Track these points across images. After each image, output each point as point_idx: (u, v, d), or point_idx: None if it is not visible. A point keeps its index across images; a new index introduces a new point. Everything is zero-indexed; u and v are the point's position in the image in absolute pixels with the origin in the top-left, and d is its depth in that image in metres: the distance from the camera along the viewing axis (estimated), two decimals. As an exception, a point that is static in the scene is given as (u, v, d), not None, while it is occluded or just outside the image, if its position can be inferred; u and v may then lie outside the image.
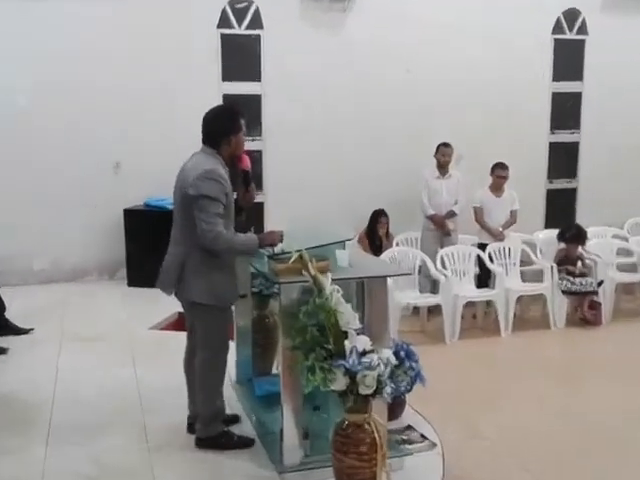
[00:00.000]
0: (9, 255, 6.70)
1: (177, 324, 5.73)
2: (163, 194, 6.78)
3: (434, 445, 3.54)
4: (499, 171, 7.02)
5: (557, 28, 8.04)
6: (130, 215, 6.92)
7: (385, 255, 6.47)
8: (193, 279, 3.32)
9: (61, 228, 6.92)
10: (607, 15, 8.06)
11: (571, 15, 8.05)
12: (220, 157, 3.37)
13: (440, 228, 6.98)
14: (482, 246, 6.90)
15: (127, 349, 5.02)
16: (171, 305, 5.70)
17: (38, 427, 3.75)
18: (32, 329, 5.34)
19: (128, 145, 6.98)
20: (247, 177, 3.66)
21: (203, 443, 3.48)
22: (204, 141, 3.42)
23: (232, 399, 4.01)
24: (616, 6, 8.04)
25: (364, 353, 2.76)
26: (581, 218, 8.04)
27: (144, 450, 3.50)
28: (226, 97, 7.14)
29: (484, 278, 6.84)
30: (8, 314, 5.31)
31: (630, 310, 7.17)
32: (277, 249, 3.33)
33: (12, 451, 3.49)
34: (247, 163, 3.66)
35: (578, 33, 8.10)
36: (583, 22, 8.08)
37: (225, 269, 3.38)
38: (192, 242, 3.30)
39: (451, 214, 6.99)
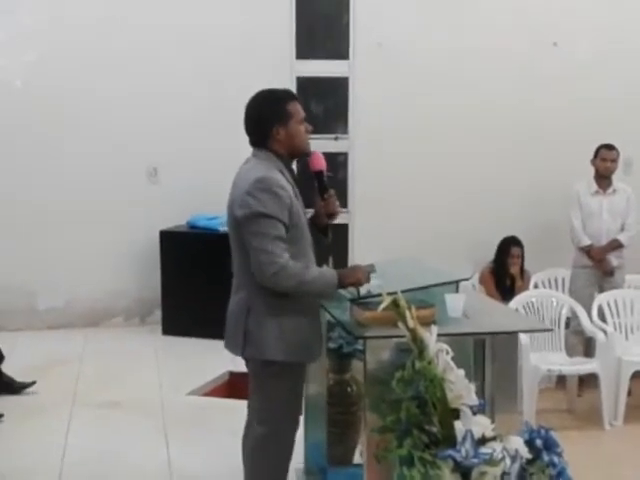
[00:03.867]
0: (8, 290, 6.98)
1: (227, 389, 5.81)
2: (212, 211, 6.94)
3: None
4: (686, 184, 6.88)
5: None
6: (168, 239, 7.10)
7: (518, 301, 6.40)
8: (260, 330, 3.32)
9: (77, 256, 7.13)
10: None
11: None
12: (278, 159, 3.37)
13: (599, 264, 6.87)
14: (660, 291, 6.76)
15: (158, 421, 5.07)
16: (220, 362, 5.83)
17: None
18: (34, 383, 5.50)
19: (168, 147, 7.20)
20: (321, 180, 3.56)
21: None
22: (250, 142, 3.45)
23: (299, 496, 4.01)
24: None
25: (483, 441, 2.70)
26: None
27: None
28: (301, 81, 7.28)
29: (663, 337, 6.67)
30: (6, 367, 5.48)
31: None
32: (363, 290, 3.31)
33: None
34: (320, 162, 3.56)
35: None
36: None
37: (303, 313, 3.37)
38: (253, 286, 3.30)
39: (615, 245, 6.88)
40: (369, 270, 3.33)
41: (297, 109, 3.42)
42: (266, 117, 3.39)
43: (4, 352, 5.49)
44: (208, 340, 6.34)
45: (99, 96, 7.07)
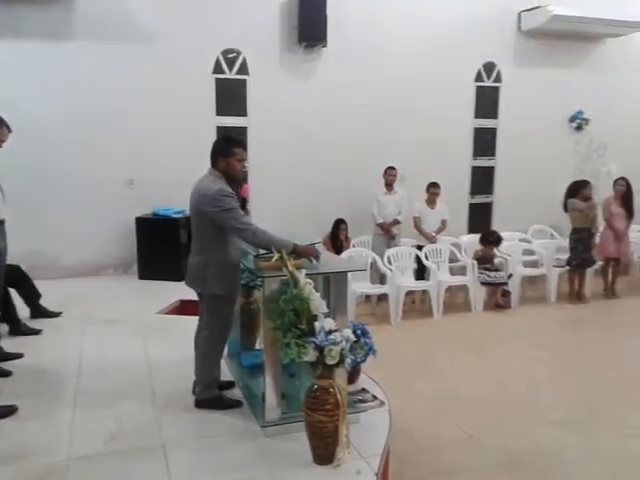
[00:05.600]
0: (42, 253, 6.57)
1: (178, 310, 5.68)
2: (167, 205, 6.73)
3: (383, 404, 3.57)
4: (433, 189, 7.17)
5: (478, 77, 8.19)
6: (141, 222, 6.80)
7: (344, 254, 6.52)
8: (212, 277, 3.26)
9: (85, 232, 6.77)
10: (517, 67, 8.26)
11: (489, 67, 8.20)
12: (223, 177, 3.23)
13: (387, 233, 7.07)
14: (419, 247, 7.01)
15: (138, 330, 4.95)
16: (173, 294, 5.72)
17: (65, 393, 3.68)
18: (61, 313, 5.25)
19: (140, 164, 6.87)
20: (245, 201, 3.55)
21: (201, 404, 3.45)
22: (210, 163, 3.30)
23: (225, 369, 3.98)
24: (523, 61, 8.26)
25: (330, 332, 2.77)
26: (495, 225, 8.18)
27: (154, 410, 3.47)
28: (219, 128, 7.09)
29: (421, 272, 6.93)
30: (42, 302, 5.20)
31: (532, 297, 7.37)
32: (315, 263, 3.17)
33: (42, 414, 3.40)
34: (246, 192, 3.55)
35: (494, 81, 8.26)
36: (498, 73, 8.24)
37: (234, 268, 3.33)
38: (209, 250, 3.22)
39: (396, 222, 7.08)
40: (318, 252, 3.23)
41: (239, 152, 3.25)
42: (217, 150, 3.26)
43: (40, 292, 5.20)
44: (166, 282, 6.21)
45: (100, 139, 6.70)
